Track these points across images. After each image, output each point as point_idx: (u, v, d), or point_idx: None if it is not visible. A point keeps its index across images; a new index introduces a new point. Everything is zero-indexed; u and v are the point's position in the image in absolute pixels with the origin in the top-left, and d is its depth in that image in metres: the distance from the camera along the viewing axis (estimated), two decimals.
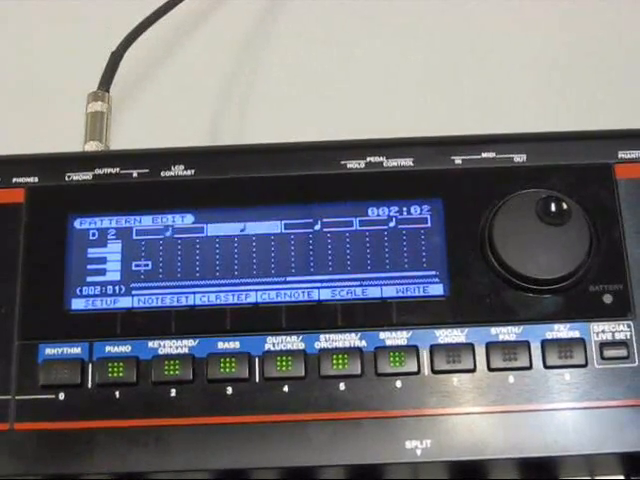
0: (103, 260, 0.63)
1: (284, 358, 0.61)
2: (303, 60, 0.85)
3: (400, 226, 0.63)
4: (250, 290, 0.62)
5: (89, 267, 0.63)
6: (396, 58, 0.85)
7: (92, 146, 0.71)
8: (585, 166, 0.64)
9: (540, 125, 0.67)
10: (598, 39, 0.85)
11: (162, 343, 0.62)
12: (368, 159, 0.65)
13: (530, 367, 0.60)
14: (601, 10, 0.87)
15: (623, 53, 0.84)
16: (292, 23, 0.87)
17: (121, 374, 0.61)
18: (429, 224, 0.63)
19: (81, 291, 0.63)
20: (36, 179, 0.65)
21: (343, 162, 0.65)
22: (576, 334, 0.61)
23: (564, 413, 0.60)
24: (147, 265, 0.63)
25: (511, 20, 0.87)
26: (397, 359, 0.61)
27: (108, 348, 0.62)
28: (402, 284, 0.62)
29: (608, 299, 0.62)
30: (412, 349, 0.61)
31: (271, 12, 0.88)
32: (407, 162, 0.65)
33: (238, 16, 0.87)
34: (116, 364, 0.61)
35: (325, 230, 0.63)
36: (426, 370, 0.61)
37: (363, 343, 0.61)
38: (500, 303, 0.62)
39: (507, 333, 0.61)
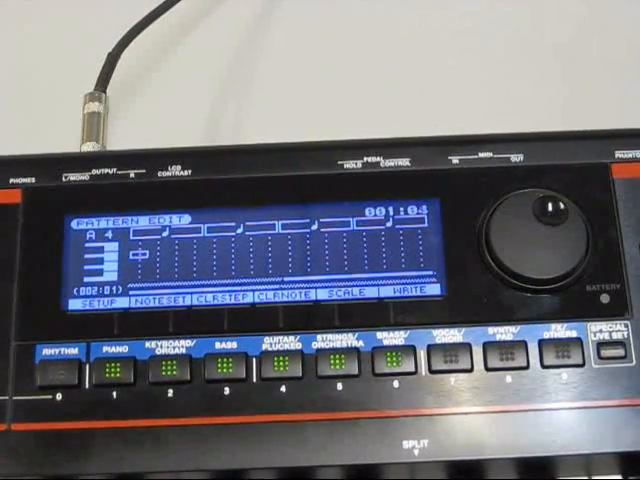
0: (100, 260, 0.63)
1: (281, 358, 0.61)
2: (300, 60, 0.85)
3: (397, 226, 0.63)
4: (247, 290, 0.62)
5: (86, 267, 0.63)
6: (391, 62, 0.85)
7: (89, 147, 0.71)
8: (582, 166, 0.64)
9: (537, 125, 0.67)
10: (596, 39, 0.85)
11: (159, 343, 0.62)
12: (365, 159, 0.65)
13: (527, 367, 0.60)
14: (599, 10, 0.87)
15: (621, 52, 0.84)
16: (288, 24, 0.87)
17: (118, 374, 0.61)
18: (426, 224, 0.63)
19: (78, 292, 0.63)
20: (33, 180, 0.65)
21: (340, 162, 0.65)
22: (573, 334, 0.61)
23: (561, 413, 0.60)
24: (144, 265, 0.63)
25: (508, 19, 0.87)
26: (394, 359, 0.61)
27: (105, 348, 0.61)
28: (399, 284, 0.62)
29: (605, 299, 0.62)
30: (409, 349, 0.61)
31: (268, 13, 0.88)
32: (404, 162, 0.65)
33: (235, 17, 0.87)
34: (113, 364, 0.61)
35: (322, 230, 0.63)
36: (423, 370, 0.61)
37: (360, 343, 0.61)
38: (497, 303, 0.62)
39: (504, 333, 0.61)
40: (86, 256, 0.63)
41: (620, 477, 0.63)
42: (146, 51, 0.84)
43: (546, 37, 0.86)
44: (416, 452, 0.60)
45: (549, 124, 0.67)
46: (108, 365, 0.61)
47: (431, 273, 0.62)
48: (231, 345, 0.61)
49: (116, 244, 0.64)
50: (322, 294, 0.62)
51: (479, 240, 0.63)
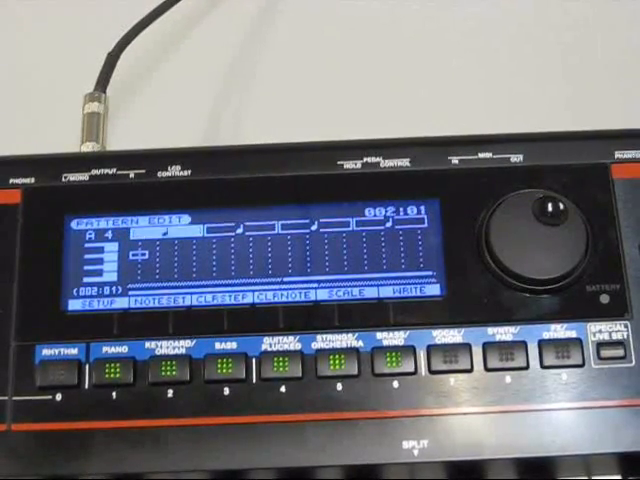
0: (100, 261, 0.63)
1: (281, 359, 0.61)
2: (300, 60, 0.85)
3: (397, 226, 0.63)
4: (247, 291, 0.62)
5: (86, 268, 0.63)
6: (394, 62, 0.85)
7: (89, 147, 0.71)
8: (582, 166, 0.64)
9: (539, 125, 0.67)
10: (596, 39, 0.85)
11: (159, 344, 0.62)
12: (365, 159, 0.65)
13: (527, 367, 0.60)
14: (599, 10, 0.86)
15: (621, 53, 0.84)
16: (288, 24, 0.87)
17: (118, 375, 0.61)
18: (426, 224, 0.63)
19: (78, 292, 0.63)
20: (33, 180, 0.65)
21: (340, 162, 0.65)
22: (573, 334, 0.61)
23: (561, 413, 0.60)
24: (144, 266, 0.63)
25: (508, 20, 0.87)
26: (394, 359, 0.61)
27: (105, 349, 0.61)
28: (399, 284, 0.62)
29: (605, 299, 0.62)
30: (409, 349, 0.61)
31: (267, 13, 0.88)
32: (404, 162, 0.65)
33: (234, 17, 0.87)
34: (113, 365, 0.61)
35: (322, 230, 0.63)
36: (423, 370, 0.61)
37: (360, 343, 0.61)
38: (497, 303, 0.62)
39: (504, 333, 0.61)
40: (86, 256, 0.63)
41: (620, 477, 0.63)
42: (146, 51, 0.84)
43: (549, 37, 0.86)
44: (416, 452, 0.60)
45: (551, 124, 0.67)
46: (108, 365, 0.61)
47: (431, 273, 0.62)
48: (231, 345, 0.61)
49: (116, 244, 0.64)
50: (322, 294, 0.62)
51: (479, 240, 0.63)
